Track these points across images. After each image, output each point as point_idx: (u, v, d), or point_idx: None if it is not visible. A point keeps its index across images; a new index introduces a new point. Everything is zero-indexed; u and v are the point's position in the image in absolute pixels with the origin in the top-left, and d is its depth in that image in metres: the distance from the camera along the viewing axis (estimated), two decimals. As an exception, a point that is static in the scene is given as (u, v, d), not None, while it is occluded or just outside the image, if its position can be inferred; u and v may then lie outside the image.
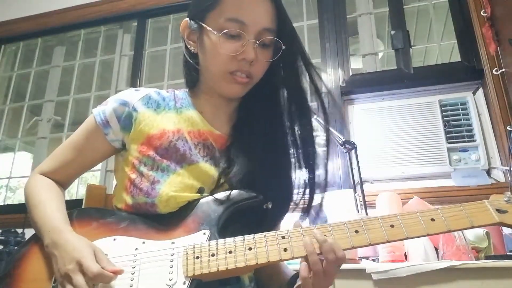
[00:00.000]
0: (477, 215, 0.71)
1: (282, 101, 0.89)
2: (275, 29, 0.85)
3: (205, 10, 0.85)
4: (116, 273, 0.70)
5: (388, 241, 0.70)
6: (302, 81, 0.88)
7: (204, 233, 0.76)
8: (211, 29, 0.83)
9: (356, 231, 0.71)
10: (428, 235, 0.70)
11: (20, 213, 2.13)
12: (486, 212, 0.71)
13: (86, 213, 0.86)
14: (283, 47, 0.85)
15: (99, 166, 2.48)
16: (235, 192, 0.80)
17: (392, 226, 0.71)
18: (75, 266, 0.69)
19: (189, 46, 0.90)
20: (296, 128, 0.88)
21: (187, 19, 0.90)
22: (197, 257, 0.72)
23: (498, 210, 0.71)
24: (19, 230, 2.08)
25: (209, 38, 0.84)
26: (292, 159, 0.88)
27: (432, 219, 0.71)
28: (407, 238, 0.70)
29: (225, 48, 0.82)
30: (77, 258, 0.69)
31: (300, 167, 0.88)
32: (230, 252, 0.71)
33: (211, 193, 0.82)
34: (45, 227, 0.78)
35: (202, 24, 0.85)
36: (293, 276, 0.84)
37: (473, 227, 0.70)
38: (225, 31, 0.81)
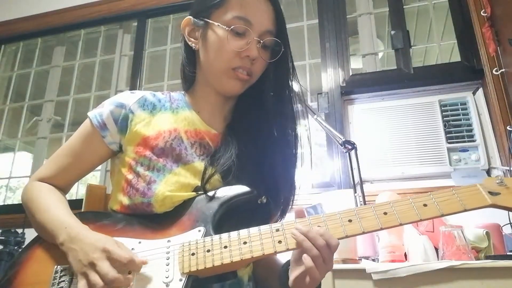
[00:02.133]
0: (470, 198, 0.71)
1: (271, 102, 0.91)
2: (275, 32, 0.88)
3: (211, 7, 0.87)
4: (143, 263, 0.71)
5: (381, 228, 0.70)
6: (291, 85, 0.92)
7: (199, 230, 0.76)
8: (219, 24, 0.85)
9: (350, 220, 0.72)
10: (421, 220, 0.71)
11: (20, 213, 2.12)
12: (478, 195, 0.71)
13: (84, 217, 0.85)
14: (283, 49, 0.88)
15: (99, 166, 2.47)
16: (229, 188, 0.81)
17: (385, 213, 0.71)
18: (101, 254, 0.69)
19: (190, 43, 0.92)
20: (283, 129, 0.91)
21: (190, 16, 0.92)
22: (193, 254, 0.72)
23: (491, 193, 0.71)
24: (19, 230, 2.08)
25: (215, 34, 0.86)
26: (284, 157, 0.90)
27: (425, 205, 0.71)
28: (400, 224, 0.70)
29: (231, 44, 0.84)
30: (102, 247, 0.69)
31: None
32: (225, 247, 0.72)
33: (203, 186, 0.82)
34: (60, 225, 0.77)
35: (208, 20, 0.87)
36: (286, 262, 0.84)
37: (465, 210, 0.70)
38: (233, 26, 0.84)
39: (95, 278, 0.67)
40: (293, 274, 0.72)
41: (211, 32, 0.87)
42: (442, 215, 0.70)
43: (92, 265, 0.68)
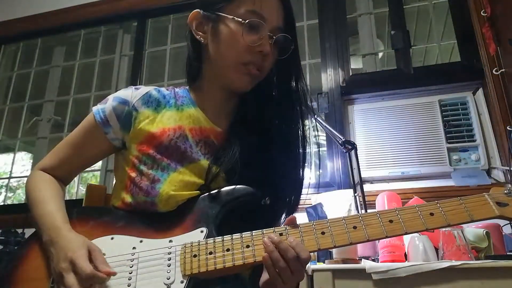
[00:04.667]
0: (477, 209, 0.70)
1: (277, 100, 0.91)
2: (285, 29, 0.87)
3: (223, 0, 0.86)
4: (109, 274, 0.70)
5: (387, 237, 0.70)
6: (296, 84, 0.91)
7: (202, 231, 0.76)
8: (234, 17, 0.83)
9: (355, 227, 0.71)
10: (427, 230, 0.70)
11: (20, 213, 2.13)
12: (486, 206, 0.70)
13: (85, 212, 0.86)
14: (293, 46, 0.87)
15: (99, 166, 2.48)
16: (232, 188, 0.80)
17: (391, 221, 0.70)
18: (68, 265, 0.69)
19: (198, 37, 0.90)
20: (288, 127, 0.90)
21: (198, 10, 0.90)
22: (195, 256, 0.72)
23: (499, 203, 0.70)
24: (19, 230, 2.08)
25: (227, 27, 0.84)
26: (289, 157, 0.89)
27: (431, 214, 0.70)
28: (406, 233, 0.70)
29: (244, 38, 0.82)
30: (70, 257, 0.70)
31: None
32: (228, 250, 0.71)
33: (207, 185, 0.82)
34: (45, 225, 0.78)
35: (221, 13, 0.85)
36: None
37: (472, 221, 0.70)
38: (248, 20, 0.82)
39: None
40: (263, 276, 0.75)
41: (223, 26, 0.85)
42: (449, 225, 0.70)
43: (61, 276, 0.69)
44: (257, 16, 0.83)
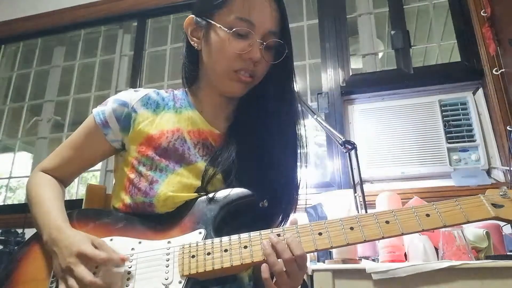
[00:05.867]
0: (473, 210, 0.71)
1: (273, 103, 0.90)
2: (278, 33, 0.87)
3: (214, 7, 0.85)
4: (124, 260, 0.72)
5: (383, 237, 0.70)
6: (293, 85, 0.91)
7: (200, 232, 0.76)
8: (221, 26, 0.83)
9: (351, 228, 0.71)
10: (423, 230, 0.71)
11: (20, 213, 2.13)
12: (481, 207, 0.71)
13: (84, 214, 0.86)
14: (287, 51, 0.86)
15: (99, 166, 2.48)
16: (230, 190, 0.80)
17: (387, 222, 0.71)
18: (75, 259, 0.70)
19: (192, 43, 0.90)
20: (285, 129, 0.90)
21: (192, 15, 0.90)
22: (193, 256, 0.72)
23: (494, 205, 0.71)
24: (19, 230, 2.08)
25: (217, 35, 0.84)
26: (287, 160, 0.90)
27: (427, 215, 0.71)
28: (402, 234, 0.70)
29: (233, 46, 0.83)
30: (76, 251, 0.70)
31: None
32: (226, 250, 0.72)
33: (204, 187, 0.82)
34: (45, 224, 0.79)
35: (211, 21, 0.85)
36: None
37: (468, 222, 0.70)
38: (235, 29, 0.82)
39: (72, 283, 0.69)
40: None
41: (213, 33, 0.85)
42: (445, 226, 0.70)
43: (69, 270, 0.70)
44: (246, 23, 0.82)
